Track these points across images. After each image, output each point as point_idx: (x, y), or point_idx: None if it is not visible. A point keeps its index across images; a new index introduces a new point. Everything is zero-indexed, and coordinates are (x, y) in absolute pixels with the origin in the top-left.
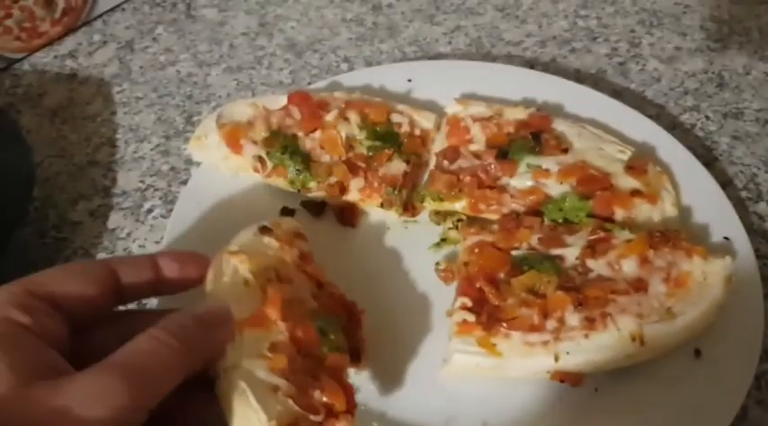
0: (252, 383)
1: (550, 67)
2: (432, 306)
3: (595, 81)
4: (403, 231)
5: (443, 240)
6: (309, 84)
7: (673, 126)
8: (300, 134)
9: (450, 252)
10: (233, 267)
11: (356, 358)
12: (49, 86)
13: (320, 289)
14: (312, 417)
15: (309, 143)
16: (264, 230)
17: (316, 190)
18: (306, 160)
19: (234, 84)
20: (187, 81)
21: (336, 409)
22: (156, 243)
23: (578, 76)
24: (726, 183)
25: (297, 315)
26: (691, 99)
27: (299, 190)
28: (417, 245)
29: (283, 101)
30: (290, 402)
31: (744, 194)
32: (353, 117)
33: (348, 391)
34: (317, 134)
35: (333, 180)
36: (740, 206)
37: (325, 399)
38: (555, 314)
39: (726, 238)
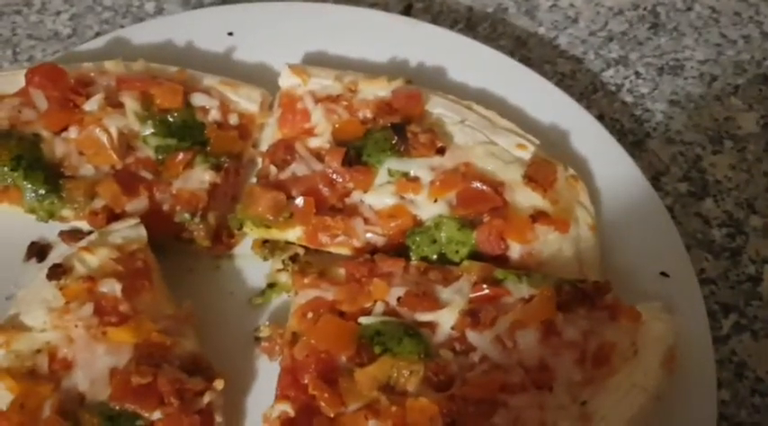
0: None
1: (434, 6)
2: (247, 390)
3: (493, 24)
4: (213, 272)
5: (270, 286)
6: (98, 34)
7: (593, 88)
8: (46, 134)
9: (281, 304)
10: None
11: None
12: None
13: (142, 350)
14: None
15: (61, 147)
16: (55, 273)
17: (73, 219)
18: (53, 176)
19: None
20: None
21: None
22: None
23: (470, 18)
24: (662, 172)
25: None
26: (617, 47)
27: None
28: (233, 294)
29: (20, 80)
30: None
31: (684, 187)
32: (129, 102)
33: None
34: (74, 133)
35: (98, 204)
36: (681, 203)
37: None
38: None
39: (663, 274)
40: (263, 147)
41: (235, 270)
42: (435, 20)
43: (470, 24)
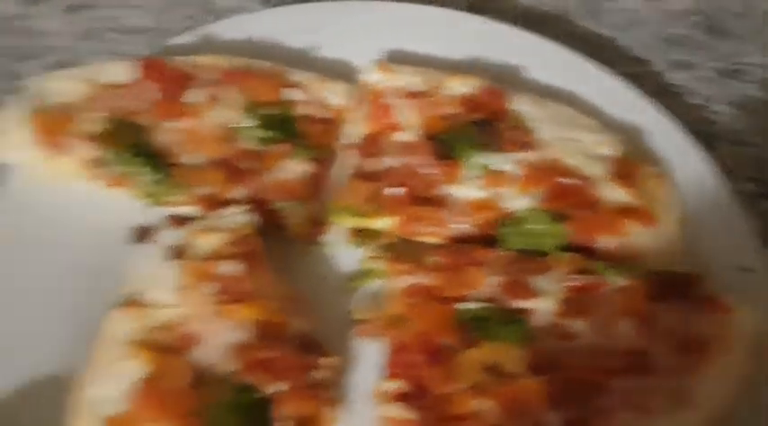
0: None
1: (495, 3)
2: (351, 371)
3: (557, 25)
4: (308, 258)
5: (363, 272)
6: (179, 29)
7: (657, 90)
8: (156, 123)
9: (374, 289)
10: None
11: None
12: None
13: (261, 328)
14: None
15: (170, 136)
16: (176, 254)
17: (181, 204)
18: (165, 164)
19: (74, 29)
20: (7, 26)
21: None
22: None
23: (533, 17)
24: (728, 172)
25: (179, 412)
26: (679, 50)
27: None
28: (327, 280)
29: (130, 71)
30: None
31: (751, 187)
32: (232, 96)
33: None
34: (180, 123)
35: (204, 191)
36: (748, 203)
37: None
38: (525, 411)
39: (744, 268)
40: (348, 141)
41: (326, 256)
42: (496, 19)
43: (532, 23)
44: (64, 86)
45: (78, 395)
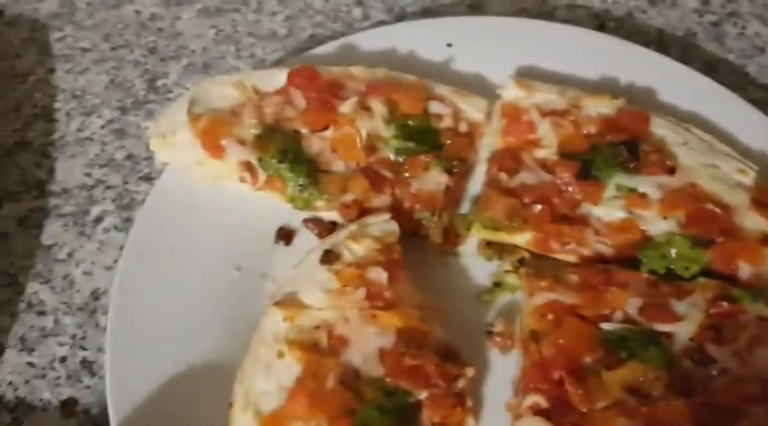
0: None
1: (625, 25)
2: (482, 380)
3: (683, 48)
4: (441, 268)
5: (496, 285)
6: (311, 36)
7: None
8: (305, 131)
9: (506, 303)
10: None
11: None
12: None
13: (404, 334)
14: None
15: (317, 144)
16: (328, 259)
17: (324, 210)
18: (312, 170)
19: (212, 32)
20: (149, 26)
21: None
22: (108, 269)
23: (661, 41)
24: None
25: (331, 410)
26: None
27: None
28: (460, 290)
29: (280, 79)
30: None
31: None
32: (378, 107)
33: None
34: (329, 132)
35: (348, 198)
36: None
37: None
38: None
39: None
40: (483, 155)
41: (461, 267)
42: (627, 40)
43: (661, 46)
44: (221, 91)
45: (238, 386)
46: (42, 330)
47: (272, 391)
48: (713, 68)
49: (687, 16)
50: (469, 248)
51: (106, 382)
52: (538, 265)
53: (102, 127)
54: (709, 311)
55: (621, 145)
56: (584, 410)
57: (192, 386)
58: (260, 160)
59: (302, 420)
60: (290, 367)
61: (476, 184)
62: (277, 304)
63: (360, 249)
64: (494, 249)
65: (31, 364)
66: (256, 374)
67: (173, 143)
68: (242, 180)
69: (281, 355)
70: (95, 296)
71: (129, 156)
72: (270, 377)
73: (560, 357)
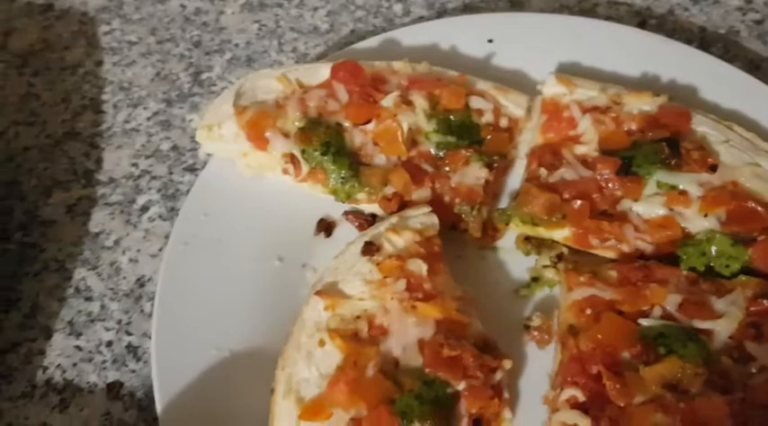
0: None
1: (667, 22)
2: (518, 373)
3: (726, 45)
4: (479, 262)
5: (534, 280)
6: (352, 31)
7: None
8: (347, 124)
9: (544, 297)
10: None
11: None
12: (18, 21)
13: (443, 326)
14: None
15: (359, 137)
16: (369, 250)
17: (365, 202)
18: (354, 163)
19: (255, 27)
20: (194, 20)
21: None
22: (153, 257)
23: (703, 38)
24: None
25: (371, 398)
26: None
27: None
28: (498, 284)
29: (324, 73)
30: None
31: None
32: (420, 101)
33: None
34: (371, 125)
35: (389, 191)
36: None
37: None
38: None
39: None
40: (522, 150)
41: (499, 261)
42: (669, 37)
43: (703, 44)
44: (266, 84)
45: (280, 373)
46: (89, 315)
47: (313, 378)
48: (756, 66)
49: (730, 14)
50: (508, 242)
51: (152, 366)
52: (577, 260)
53: (149, 118)
54: (749, 309)
55: (663, 142)
56: (622, 404)
57: (234, 371)
58: (303, 152)
59: (342, 407)
60: (331, 355)
61: (515, 179)
62: (318, 293)
63: (400, 241)
64: (532, 244)
65: (78, 348)
66: (298, 361)
67: (218, 134)
68: (285, 171)
69: (321, 343)
70: (141, 283)
71: (174, 147)
72: (311, 364)
73: (598, 352)
